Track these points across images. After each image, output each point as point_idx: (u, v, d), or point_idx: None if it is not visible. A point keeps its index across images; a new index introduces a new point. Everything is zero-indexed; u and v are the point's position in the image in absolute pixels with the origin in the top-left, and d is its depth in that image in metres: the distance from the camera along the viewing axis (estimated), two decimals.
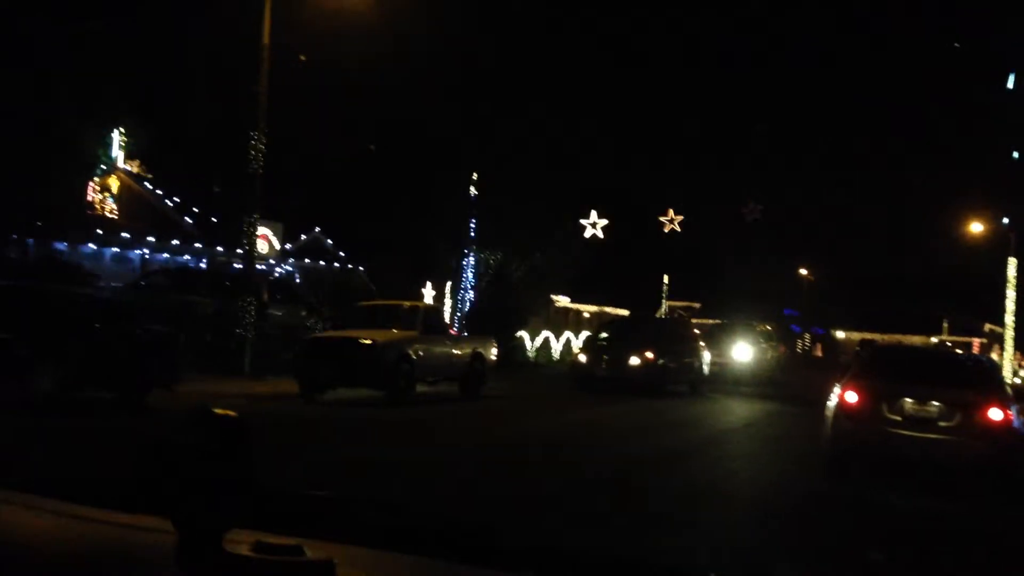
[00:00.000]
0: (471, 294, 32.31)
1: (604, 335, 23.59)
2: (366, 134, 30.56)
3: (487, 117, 30.22)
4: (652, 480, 10.00)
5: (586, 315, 44.17)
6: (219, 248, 28.13)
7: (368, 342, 15.65)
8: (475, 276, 32.55)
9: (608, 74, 41.50)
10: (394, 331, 16.65)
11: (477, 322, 28.04)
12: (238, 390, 15.47)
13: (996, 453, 9.78)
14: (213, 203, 29.68)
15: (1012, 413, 10.01)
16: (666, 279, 45.19)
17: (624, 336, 22.48)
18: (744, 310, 37.92)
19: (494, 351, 19.29)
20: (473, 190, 31.83)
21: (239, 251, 20.70)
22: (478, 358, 18.18)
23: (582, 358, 22.10)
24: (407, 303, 19.70)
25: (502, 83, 30.27)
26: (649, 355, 20.78)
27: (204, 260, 28.48)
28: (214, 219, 29.45)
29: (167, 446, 1.11)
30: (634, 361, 20.64)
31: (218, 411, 1.15)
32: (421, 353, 16.43)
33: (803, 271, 56.39)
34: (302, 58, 18.58)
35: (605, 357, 21.24)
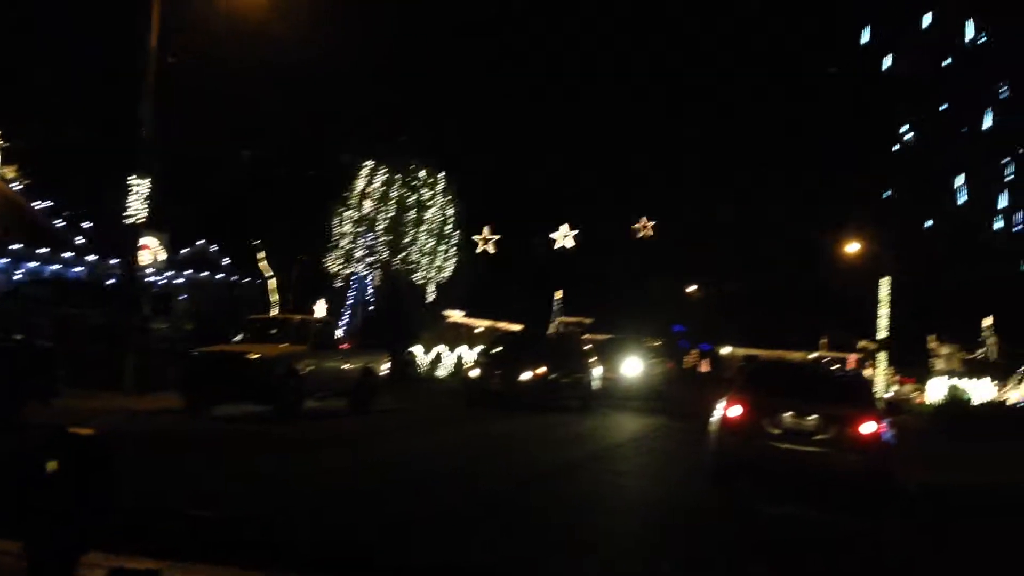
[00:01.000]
0: (364, 308, 31.98)
1: (496, 350, 23.65)
2: (260, 144, 29.99)
3: (384, 131, 30.06)
4: (539, 495, 10.05)
5: (479, 330, 44.19)
6: (101, 258, 27.10)
7: (256, 356, 15.31)
8: (368, 290, 32.24)
9: (506, 90, 41.76)
10: (283, 345, 16.34)
11: (369, 337, 27.76)
12: (119, 405, 14.92)
13: (868, 464, 10.20)
14: (96, 211, 28.61)
15: (883, 426, 10.47)
16: (558, 294, 45.71)
17: (516, 351, 22.58)
18: (634, 326, 38.57)
19: (386, 366, 19.12)
20: (368, 203, 31.58)
21: (121, 261, 19.97)
22: (369, 373, 17.99)
23: (474, 373, 22.11)
24: (297, 317, 19.37)
25: (399, 96, 30.17)
26: (540, 370, 20.92)
27: (85, 270, 27.38)
28: (97, 228, 28.38)
29: (18, 466, 1.06)
30: (525, 376, 20.74)
31: (75, 430, 1.10)
32: (311, 368, 16.15)
33: (692, 288, 57.82)
34: (171, 60, 18.06)
35: (497, 372, 21.28)
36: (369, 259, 32.32)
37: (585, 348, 25.37)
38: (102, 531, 1.11)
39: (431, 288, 33.73)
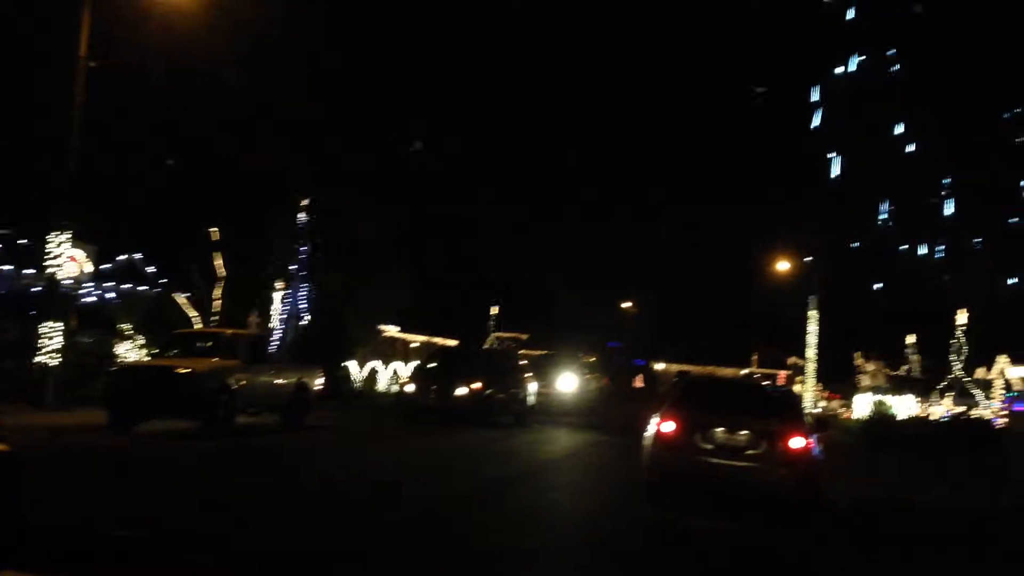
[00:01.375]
0: (297, 322, 31.57)
1: (432, 365, 23.54)
2: (188, 155, 29.47)
3: (319, 144, 29.80)
4: (473, 511, 10.01)
5: (414, 345, 43.95)
6: (22, 270, 26.29)
7: (185, 371, 14.98)
8: (303, 304, 31.84)
9: (440, 102, 41.76)
10: (214, 360, 16.02)
11: (303, 351, 27.38)
12: (40, 422, 14.44)
13: (798, 479, 10.38)
14: (17, 222, 27.77)
15: (812, 441, 10.66)
16: (494, 310, 45.66)
17: (452, 366, 22.51)
18: (570, 341, 38.80)
19: (320, 381, 18.88)
20: (303, 216, 31.22)
21: (43, 273, 19.39)
22: (303, 388, 17.74)
23: (409, 388, 21.96)
24: (228, 331, 19.01)
25: (332, 111, 29.95)
26: (476, 385, 20.88)
27: (3, 283, 26.53)
28: (18, 239, 27.55)
29: None
30: (461, 391, 20.68)
31: None
32: (243, 383, 15.86)
33: (627, 304, 58.39)
34: (91, 64, 17.66)
35: (432, 387, 21.18)
36: (303, 272, 31.95)
37: (521, 364, 25.40)
38: (14, 549, 1.06)
39: (367, 302, 33.46)
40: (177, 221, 30.34)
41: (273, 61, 25.96)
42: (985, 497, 14.05)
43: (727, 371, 53.83)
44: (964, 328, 47.05)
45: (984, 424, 30.93)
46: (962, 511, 13.14)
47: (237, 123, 27.95)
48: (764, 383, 30.47)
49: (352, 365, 29.44)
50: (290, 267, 31.08)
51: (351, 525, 8.51)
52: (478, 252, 41.74)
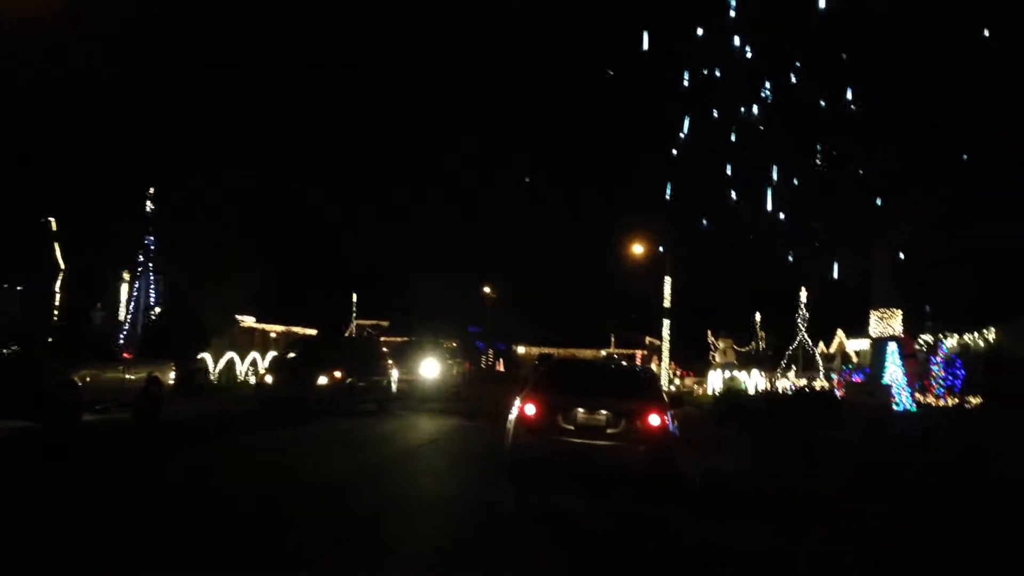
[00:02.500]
0: (147, 314, 30.29)
1: (291, 355, 23.07)
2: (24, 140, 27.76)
3: (169, 130, 28.62)
4: (334, 502, 9.85)
5: (273, 335, 42.96)
6: None
7: (21, 367, 14.12)
8: (152, 295, 30.57)
9: (298, 89, 40.81)
10: (55, 356, 15.16)
11: (154, 345, 26.31)
12: None
13: (656, 454, 10.70)
14: None
15: (668, 418, 11.01)
16: (355, 297, 45.13)
17: (312, 355, 22.10)
18: (431, 327, 38.74)
19: (172, 375, 18.16)
20: (149, 205, 29.94)
21: None
22: (154, 383, 17.01)
23: (268, 379, 21.45)
24: (70, 325, 18.04)
25: (184, 94, 28.82)
26: (337, 374, 20.59)
27: None
28: None
29: None
30: (322, 381, 20.36)
31: None
32: (88, 379, 15.08)
33: (487, 289, 58.77)
34: None
35: (292, 378, 20.75)
36: (151, 262, 30.65)
37: (383, 351, 25.19)
38: None
39: (221, 292, 32.41)
40: (8, 209, 28.55)
41: (121, 45, 24.74)
42: (831, 465, 14.86)
43: (587, 352, 55.06)
44: (805, 305, 49.64)
45: (827, 395, 32.60)
46: (805, 481, 13.86)
47: (80, 105, 26.53)
48: (623, 363, 31.27)
49: (207, 357, 28.49)
50: (138, 258, 29.78)
51: (206, 520, 8.25)
52: (338, 240, 41.13)
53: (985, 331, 34.03)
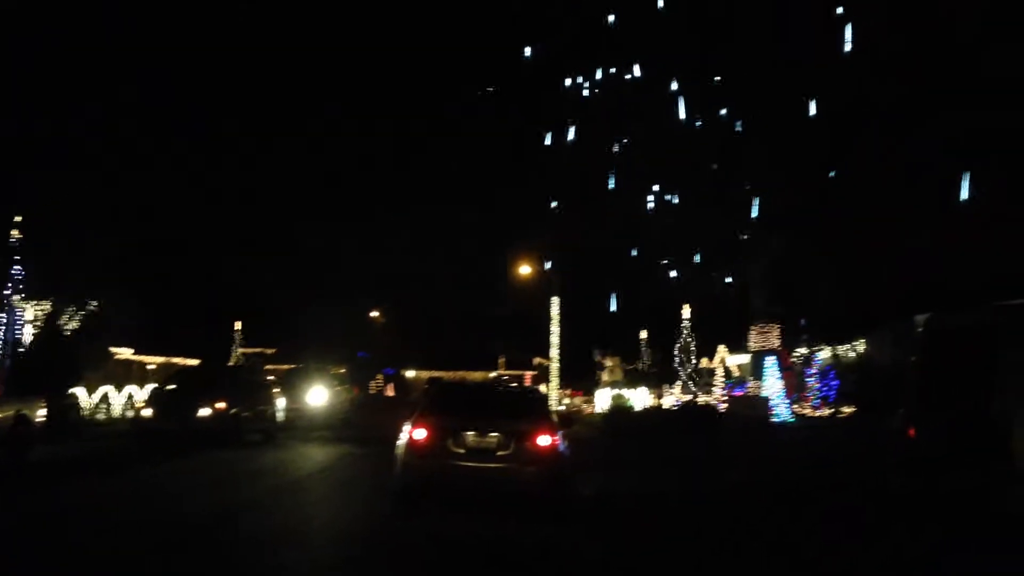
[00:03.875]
0: (14, 350, 28.80)
1: (171, 386, 22.28)
2: None
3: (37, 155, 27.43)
4: (221, 535, 9.55)
5: (152, 367, 41.46)
6: None
7: None
8: (19, 329, 29.10)
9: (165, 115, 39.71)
10: None
11: (22, 382, 25.01)
12: None
13: (547, 475, 10.75)
14: None
15: (558, 438, 11.08)
16: (238, 326, 44.04)
17: (193, 386, 21.38)
18: (319, 354, 38.12)
19: (43, 412, 17.29)
20: (16, 233, 28.56)
21: None
22: (23, 421, 16.15)
23: (147, 412, 20.63)
24: None
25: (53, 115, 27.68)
26: (220, 405, 19.99)
27: None
28: None
29: None
30: (204, 412, 19.72)
31: None
32: None
33: (374, 313, 58.21)
34: None
35: (172, 410, 20.02)
36: (18, 294, 29.20)
37: (268, 379, 24.63)
38: None
39: (95, 324, 31.09)
40: None
41: None
42: (714, 477, 15.24)
43: (476, 375, 55.07)
44: (688, 323, 50.92)
45: (711, 409, 33.43)
46: (692, 493, 14.18)
47: None
48: (512, 384, 31.37)
49: (80, 392, 27.21)
50: (4, 290, 28.35)
51: (91, 559, 7.86)
52: (220, 269, 40.09)
53: (855, 343, 35.61)
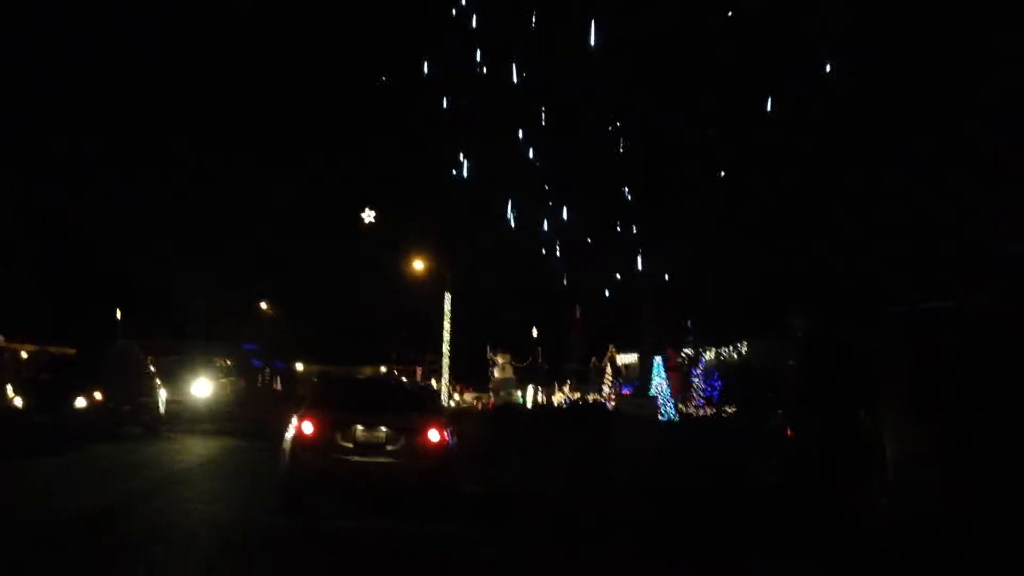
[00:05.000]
0: None
1: (44, 376, 21.31)
2: None
3: None
4: (98, 532, 9.19)
5: (24, 355, 39.57)
6: None
7: None
8: None
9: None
10: None
11: None
12: None
13: (437, 470, 10.72)
14: None
15: (447, 434, 11.07)
16: (118, 314, 42.39)
17: (69, 376, 20.48)
18: (204, 345, 37.08)
19: None
20: None
21: None
22: None
23: (17, 403, 19.66)
24: None
25: None
26: (97, 396, 19.22)
27: None
28: None
29: None
30: (81, 403, 18.92)
31: None
32: None
33: (263, 305, 57.01)
34: None
35: (46, 400, 19.13)
36: None
37: (149, 370, 23.76)
38: None
39: None
40: None
41: None
42: (603, 475, 15.50)
43: (367, 370, 54.57)
44: (579, 322, 51.65)
45: (600, 407, 33.96)
46: (577, 489, 14.38)
47: None
48: (403, 379, 31.20)
49: None
50: None
51: None
52: (101, 256, 38.57)
53: (738, 344, 36.76)
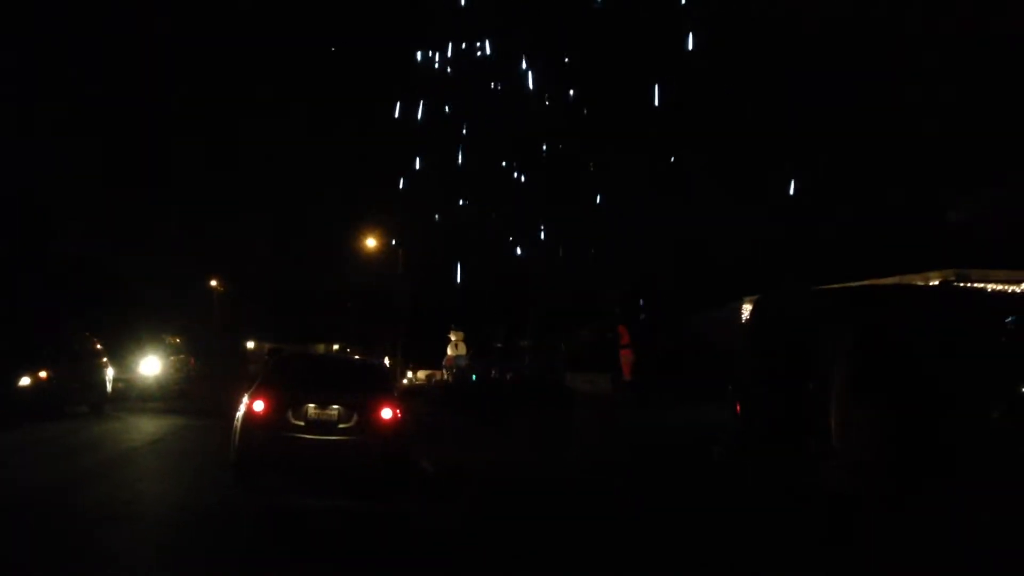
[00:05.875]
0: None
1: None
2: None
3: None
4: (45, 511, 9.06)
5: None
6: None
7: None
8: None
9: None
10: None
11: None
12: None
13: (389, 448, 10.73)
14: None
15: (400, 411, 11.07)
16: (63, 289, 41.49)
17: (12, 354, 20.04)
18: (154, 323, 36.51)
19: None
20: None
21: None
22: None
23: None
24: None
25: None
26: (42, 374, 18.87)
27: None
28: None
29: None
30: (24, 381, 18.55)
31: None
32: None
33: (214, 282, 56.27)
34: None
35: None
36: None
37: (96, 347, 23.36)
38: None
39: None
40: None
41: None
42: (556, 451, 15.62)
43: (320, 347, 54.21)
44: (532, 299, 51.72)
45: (555, 384, 34.00)
46: (532, 465, 14.49)
47: None
48: (355, 357, 31.03)
49: None
50: None
51: None
52: (49, 230, 37.72)
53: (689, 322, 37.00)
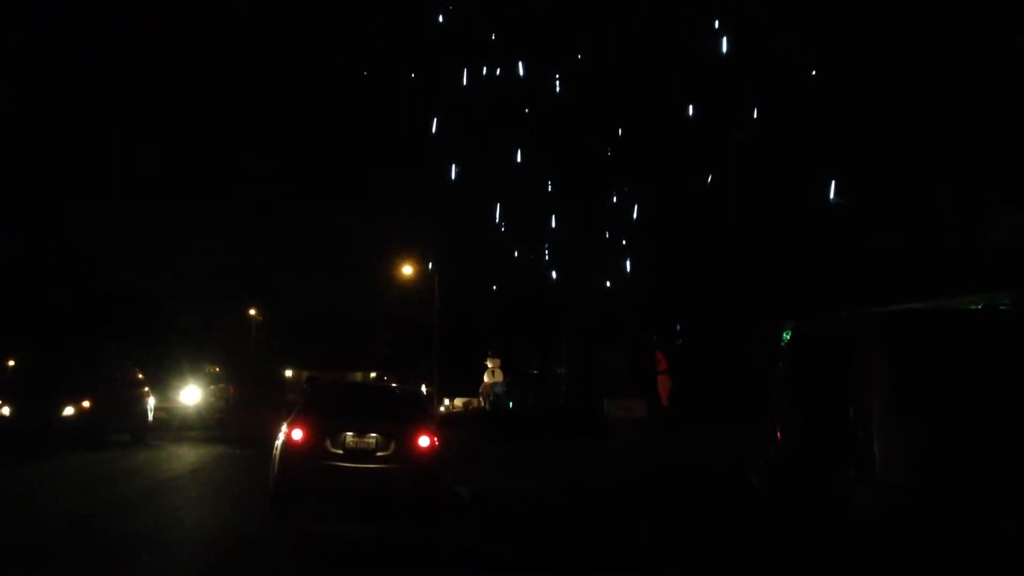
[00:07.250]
0: None
1: (32, 383, 21.15)
2: None
3: None
4: (85, 539, 9.16)
5: (11, 362, 39.33)
6: None
7: None
8: None
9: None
10: None
11: None
12: None
13: (426, 475, 10.73)
14: None
15: (437, 439, 11.08)
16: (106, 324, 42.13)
17: (56, 382, 20.36)
18: (192, 352, 36.94)
19: None
20: None
21: None
22: None
23: (4, 410, 19.55)
24: None
25: None
26: (85, 403, 19.14)
27: None
28: None
29: None
30: (68, 411, 18.84)
31: None
32: None
33: (252, 311, 56.87)
34: None
35: (32, 407, 19.02)
36: None
37: (137, 377, 23.67)
38: None
39: None
40: None
41: None
42: (588, 474, 15.53)
43: (357, 375, 54.43)
44: (566, 325, 51.58)
45: (592, 411, 33.80)
46: (569, 492, 14.40)
47: None
48: (392, 385, 31.10)
49: None
50: None
51: None
52: (90, 263, 38.42)
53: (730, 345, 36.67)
